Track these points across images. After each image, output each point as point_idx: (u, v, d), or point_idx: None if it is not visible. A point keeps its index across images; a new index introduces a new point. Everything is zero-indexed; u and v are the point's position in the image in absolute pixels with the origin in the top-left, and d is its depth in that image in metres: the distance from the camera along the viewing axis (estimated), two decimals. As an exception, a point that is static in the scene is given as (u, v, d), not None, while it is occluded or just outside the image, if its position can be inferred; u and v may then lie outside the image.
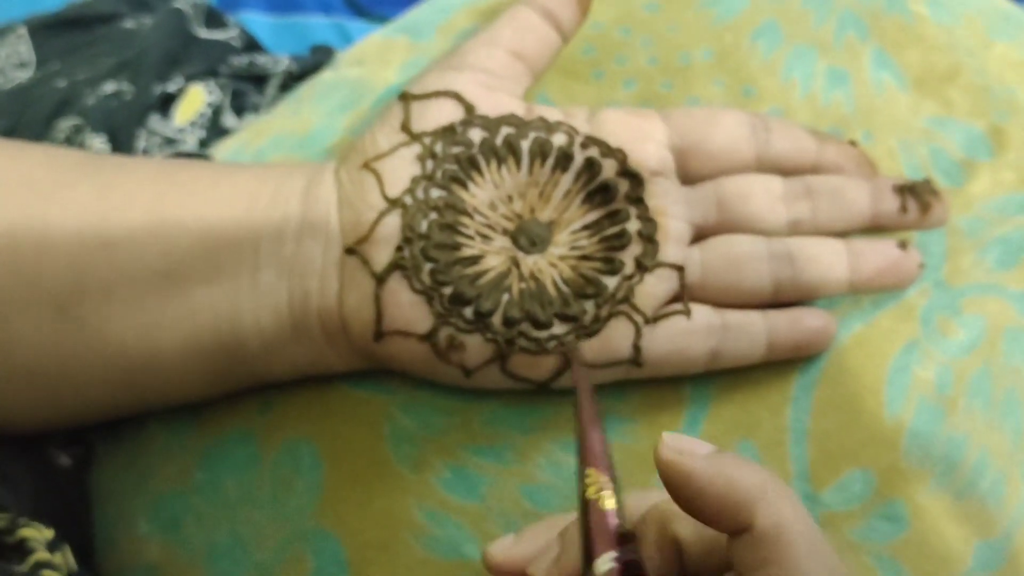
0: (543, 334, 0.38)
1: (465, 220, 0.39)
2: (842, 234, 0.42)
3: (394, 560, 0.39)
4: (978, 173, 0.44)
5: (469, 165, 0.40)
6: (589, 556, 0.28)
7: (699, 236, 0.41)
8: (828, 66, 0.46)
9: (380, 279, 0.38)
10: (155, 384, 0.40)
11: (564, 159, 0.40)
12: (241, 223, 0.39)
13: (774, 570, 0.27)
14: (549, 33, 0.44)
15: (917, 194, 0.42)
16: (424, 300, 0.38)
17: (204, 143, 0.52)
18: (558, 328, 0.38)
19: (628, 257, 0.39)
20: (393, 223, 0.39)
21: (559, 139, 0.41)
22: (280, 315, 0.39)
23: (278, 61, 0.56)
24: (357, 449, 0.41)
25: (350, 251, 0.38)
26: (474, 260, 0.39)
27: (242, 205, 0.39)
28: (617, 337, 0.38)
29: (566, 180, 0.40)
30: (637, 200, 0.40)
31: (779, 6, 0.46)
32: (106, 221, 0.38)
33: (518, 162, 0.40)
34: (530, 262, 0.39)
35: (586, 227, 0.40)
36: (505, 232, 0.40)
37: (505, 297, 0.38)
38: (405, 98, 0.41)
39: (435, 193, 0.39)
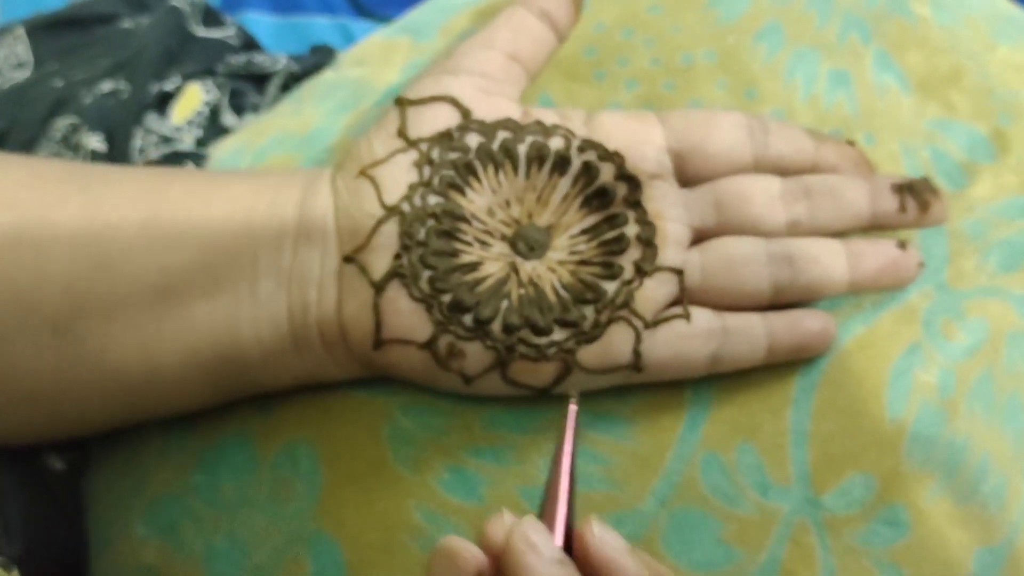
0: (543, 340, 0.38)
1: (463, 226, 0.39)
2: (841, 234, 0.42)
3: (393, 562, 0.39)
4: (980, 176, 0.44)
5: (466, 171, 0.40)
6: None
7: (698, 238, 0.41)
8: (831, 68, 0.46)
9: (379, 287, 0.38)
10: (155, 398, 0.40)
11: (561, 163, 0.40)
12: (239, 235, 0.38)
13: None
14: (545, 33, 0.43)
15: (916, 192, 0.41)
16: (423, 308, 0.38)
17: (201, 142, 0.52)
18: (558, 334, 0.38)
19: (627, 262, 0.39)
20: (391, 231, 0.39)
21: (556, 143, 0.40)
22: (279, 326, 0.38)
23: (276, 60, 0.56)
24: (356, 451, 0.41)
25: (348, 259, 0.38)
26: (473, 267, 0.39)
27: (239, 217, 0.38)
28: (617, 342, 0.38)
29: (564, 184, 0.40)
30: (635, 204, 0.40)
31: (782, 8, 0.46)
32: (99, 241, 0.38)
33: (515, 167, 0.40)
34: (529, 268, 0.39)
35: (584, 231, 0.40)
36: (503, 238, 0.39)
37: (504, 304, 0.38)
38: (401, 103, 0.41)
39: (433, 200, 0.39)
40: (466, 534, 0.37)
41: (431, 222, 0.39)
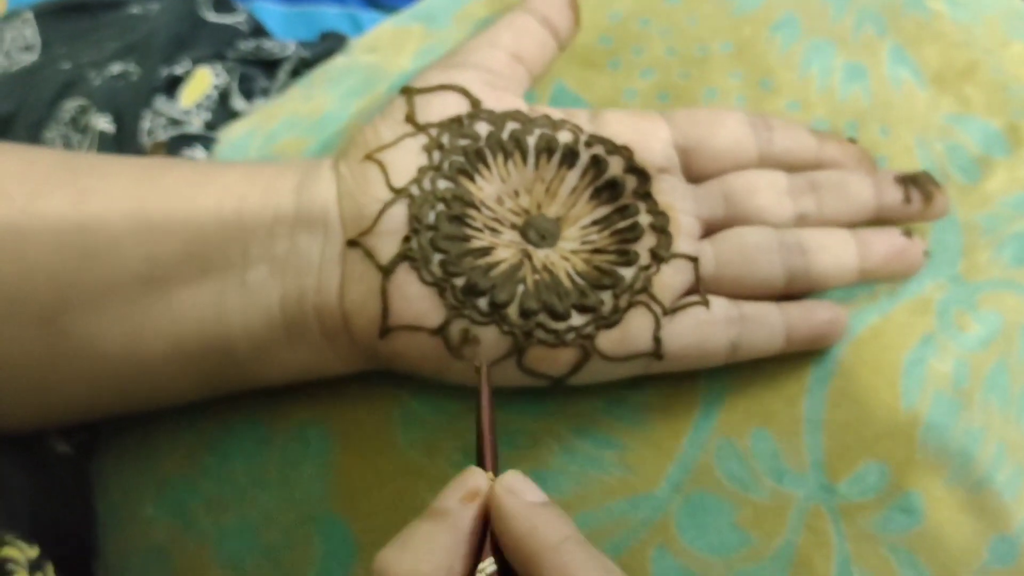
0: (561, 326, 0.37)
1: (473, 213, 0.39)
2: (847, 227, 0.42)
3: (404, 544, 0.39)
4: (995, 170, 0.44)
5: (476, 158, 0.40)
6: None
7: (707, 232, 0.41)
8: (846, 61, 0.46)
9: (387, 271, 0.37)
10: (144, 391, 0.39)
11: (570, 156, 0.40)
12: (228, 223, 0.37)
13: None
14: (547, 39, 0.43)
15: (919, 184, 0.42)
16: (435, 292, 0.37)
17: (210, 125, 0.51)
18: (576, 319, 0.37)
19: (642, 249, 0.39)
20: (398, 214, 0.38)
21: (564, 136, 0.40)
22: (271, 316, 0.37)
23: (285, 47, 0.56)
24: (367, 432, 0.40)
25: (352, 243, 0.37)
26: (485, 251, 0.38)
27: (229, 205, 0.37)
28: (636, 329, 0.38)
29: (572, 177, 0.40)
30: (645, 195, 0.40)
31: (798, 0, 0.46)
32: (85, 231, 0.37)
33: (524, 157, 0.40)
34: (542, 255, 0.39)
35: (595, 222, 0.40)
36: (513, 227, 0.39)
37: (520, 288, 0.38)
38: (408, 92, 0.41)
39: (442, 184, 0.39)
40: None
41: (441, 206, 0.38)
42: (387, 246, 0.37)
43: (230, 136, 0.50)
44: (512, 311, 0.37)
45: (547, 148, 0.40)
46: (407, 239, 0.38)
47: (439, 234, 0.38)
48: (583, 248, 0.39)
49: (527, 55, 0.42)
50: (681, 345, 0.38)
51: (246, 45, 0.56)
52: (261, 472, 0.41)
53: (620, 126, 0.41)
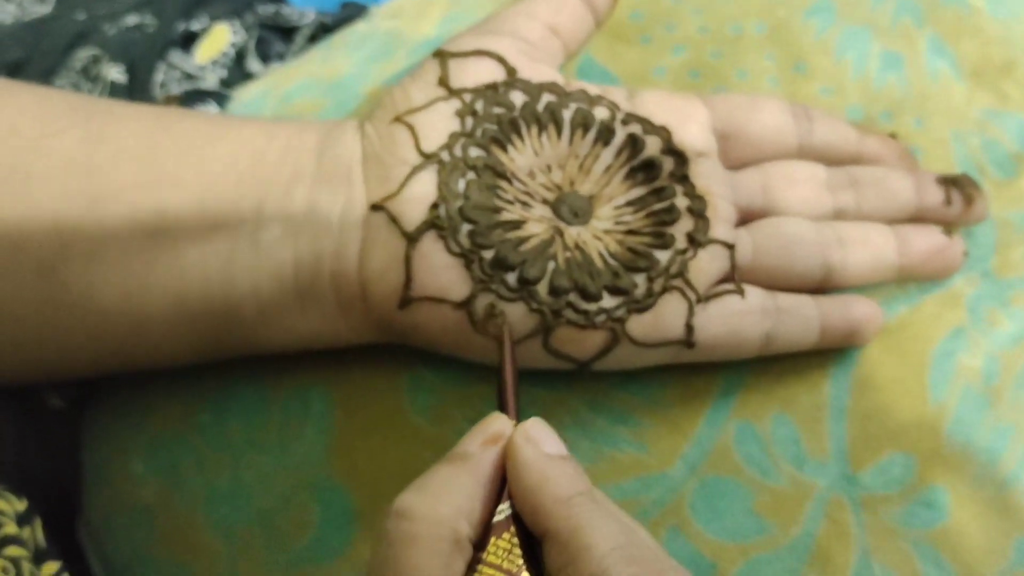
0: (592, 307, 0.36)
1: (504, 184, 0.37)
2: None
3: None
4: (1031, 167, 0.43)
5: (510, 128, 0.38)
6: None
7: (741, 222, 0.39)
8: (883, 49, 0.45)
9: (412, 238, 0.35)
10: (143, 349, 0.37)
11: (606, 133, 0.39)
12: (243, 177, 0.35)
13: (572, 573, 0.27)
14: (584, 14, 0.42)
15: (960, 186, 0.41)
16: (461, 264, 0.35)
17: (226, 83, 0.50)
18: (608, 301, 0.36)
19: (679, 232, 0.37)
20: (427, 180, 0.36)
21: (601, 112, 0.39)
22: (282, 279, 0.35)
23: (304, 15, 0.54)
24: (372, 397, 0.39)
25: (376, 207, 0.35)
26: (516, 225, 0.36)
27: (246, 159, 0.36)
28: (669, 315, 0.36)
29: (607, 154, 0.39)
30: (683, 178, 0.38)
31: (836, -17, 0.45)
32: (93, 175, 0.35)
33: (559, 131, 0.39)
34: (573, 233, 0.37)
35: (630, 203, 0.38)
36: (544, 202, 0.38)
37: (551, 265, 0.36)
38: (442, 55, 0.39)
39: (474, 152, 0.37)
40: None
41: (471, 175, 0.37)
42: (413, 212, 0.35)
43: (244, 95, 0.48)
44: (542, 288, 0.35)
45: (583, 123, 0.38)
46: (435, 206, 0.36)
47: (469, 203, 0.36)
48: (616, 228, 0.37)
49: (564, 29, 0.41)
50: (713, 334, 0.36)
51: (264, 9, 0.54)
52: (259, 433, 0.39)
53: (658, 106, 0.39)
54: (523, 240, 0.36)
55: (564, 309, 0.35)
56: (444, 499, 0.29)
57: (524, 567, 0.28)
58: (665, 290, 0.35)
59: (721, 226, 0.37)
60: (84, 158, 0.36)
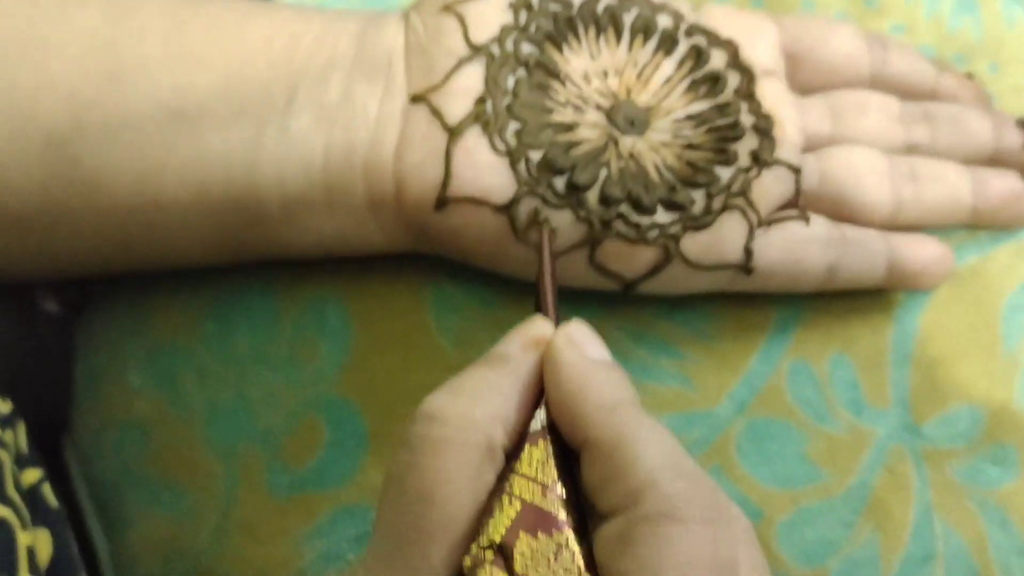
0: (645, 220, 0.32)
1: (556, 85, 0.34)
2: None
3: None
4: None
5: (567, 27, 0.35)
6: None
7: (808, 149, 0.36)
8: (958, -11, 0.42)
9: (454, 133, 0.32)
10: (152, 243, 0.35)
11: (669, 42, 0.36)
12: (276, 61, 0.33)
13: (616, 486, 0.24)
14: None
15: None
16: (506, 164, 0.32)
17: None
18: (662, 216, 0.33)
19: (743, 150, 0.34)
20: (474, 73, 0.33)
21: (664, 20, 0.36)
22: (311, 171, 0.33)
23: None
24: (393, 314, 0.36)
25: (418, 99, 0.33)
26: (567, 128, 0.34)
27: (280, 42, 0.33)
28: (727, 235, 0.33)
29: (668, 65, 0.36)
30: (748, 96, 0.35)
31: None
32: (115, 49, 0.33)
33: (618, 35, 0.36)
34: (628, 142, 0.34)
35: (690, 117, 0.35)
36: (598, 108, 0.34)
37: (603, 172, 0.33)
38: None
39: (526, 48, 0.34)
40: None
41: (522, 71, 0.34)
42: (457, 106, 0.32)
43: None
44: (592, 196, 0.32)
45: (644, 29, 0.36)
46: (481, 101, 0.33)
47: (518, 101, 0.33)
48: (675, 142, 0.34)
49: None
50: (773, 260, 0.33)
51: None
52: (268, 347, 0.36)
53: (725, 20, 0.37)
54: (574, 144, 0.33)
55: (614, 220, 0.32)
56: (479, 402, 0.26)
57: (559, 479, 0.25)
58: (725, 208, 0.32)
59: (787, 148, 0.34)
60: (106, 31, 0.33)
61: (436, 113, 0.32)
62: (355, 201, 0.33)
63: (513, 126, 0.33)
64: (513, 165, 0.32)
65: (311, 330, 0.36)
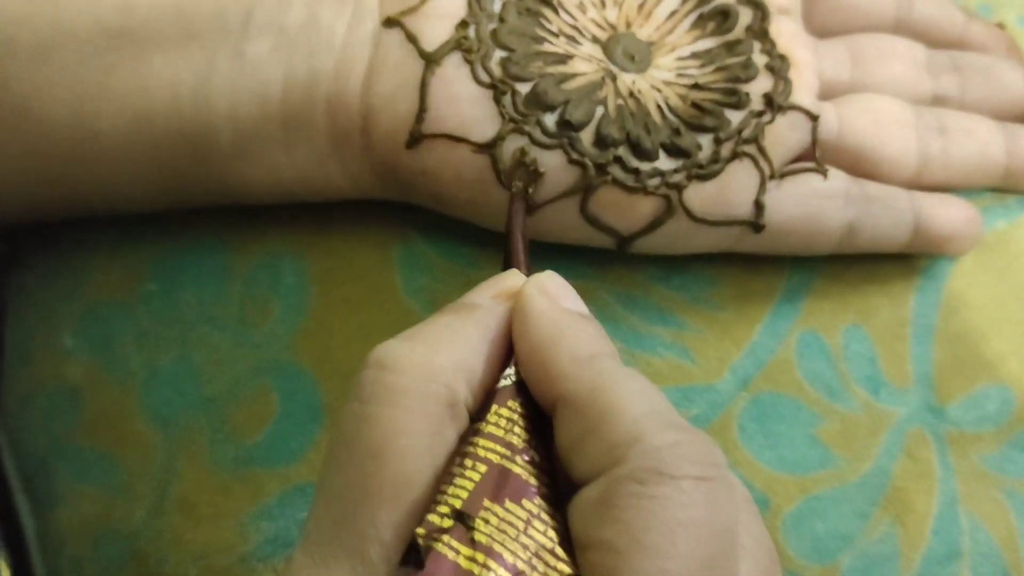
0: (646, 166, 0.29)
1: (548, 13, 0.30)
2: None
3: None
4: None
5: None
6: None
7: (825, 96, 0.32)
8: (985, -66, 0.38)
9: (431, 59, 0.29)
10: (90, 179, 0.32)
11: None
12: None
13: (594, 442, 0.21)
14: None
15: None
16: (489, 97, 0.29)
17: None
18: (664, 163, 0.29)
19: (755, 93, 0.30)
20: None
21: None
22: (267, 101, 0.30)
23: None
24: (357, 272, 0.32)
25: (391, 22, 0.30)
26: (560, 59, 0.30)
27: None
28: (736, 187, 0.30)
29: None
30: (761, 34, 0.31)
31: None
32: None
33: None
34: (627, 79, 0.30)
35: (696, 55, 0.31)
36: (595, 40, 0.31)
37: (599, 111, 0.29)
38: None
39: None
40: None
41: None
42: (436, 31, 0.29)
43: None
44: (586, 136, 0.29)
45: None
46: (463, 25, 0.29)
47: (504, 27, 0.30)
48: (679, 81, 0.30)
49: None
50: (787, 217, 0.30)
51: None
52: (216, 306, 0.33)
53: None
54: (567, 77, 0.29)
55: (611, 165, 0.28)
56: (441, 350, 0.22)
57: (529, 442, 0.21)
58: (734, 157, 0.29)
59: (804, 93, 0.30)
60: None
61: (411, 38, 0.29)
62: (316, 136, 0.30)
63: (498, 55, 0.29)
64: (497, 99, 0.29)
65: (264, 288, 0.32)
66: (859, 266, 0.32)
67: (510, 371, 0.23)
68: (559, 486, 0.22)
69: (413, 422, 0.21)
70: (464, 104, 0.29)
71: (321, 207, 0.32)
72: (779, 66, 0.31)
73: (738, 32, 0.32)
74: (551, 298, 0.24)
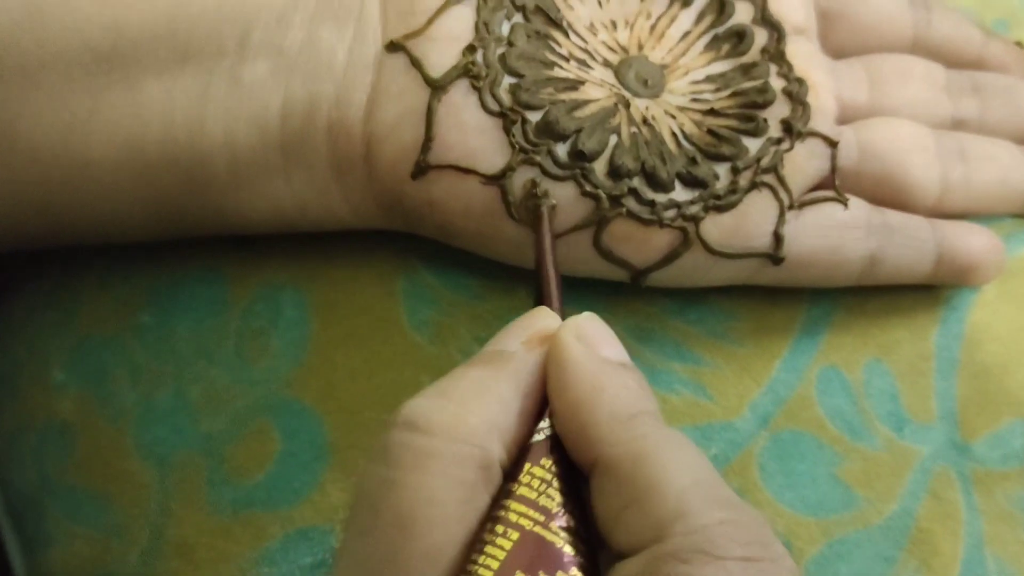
0: (661, 198, 0.28)
1: (558, 36, 0.29)
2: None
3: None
4: None
5: None
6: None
7: (843, 120, 0.32)
8: (1000, -50, 0.37)
9: (437, 86, 0.28)
10: (79, 207, 0.30)
11: None
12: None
13: (637, 516, 0.20)
14: None
15: None
16: (498, 126, 0.28)
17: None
18: (680, 193, 0.28)
19: (772, 119, 0.29)
20: (463, 17, 0.29)
21: None
22: (265, 127, 0.29)
23: None
24: (359, 304, 0.31)
25: (395, 47, 0.29)
26: (571, 85, 0.29)
27: None
28: (755, 218, 0.29)
29: (686, 18, 0.31)
30: (778, 56, 0.30)
31: None
32: None
33: None
34: (641, 105, 0.29)
35: (710, 78, 0.30)
36: (606, 64, 0.30)
37: (613, 139, 0.28)
38: None
39: None
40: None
41: (518, 17, 0.29)
42: (442, 56, 0.28)
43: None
44: (599, 166, 0.28)
45: None
46: (470, 50, 0.28)
47: (513, 51, 0.29)
48: (694, 107, 0.29)
49: None
50: (806, 249, 0.29)
51: None
52: (213, 341, 0.31)
53: None
54: (579, 104, 0.28)
55: (625, 196, 0.27)
56: (473, 408, 0.21)
57: (564, 505, 0.20)
58: (753, 186, 0.28)
59: (822, 118, 0.29)
60: None
61: (416, 63, 0.28)
62: (317, 164, 0.29)
63: (508, 81, 0.28)
64: (507, 128, 0.28)
65: (263, 321, 0.31)
66: (879, 297, 0.31)
67: (544, 424, 0.22)
68: (595, 549, 0.21)
69: (445, 489, 0.20)
70: (472, 133, 0.28)
71: (322, 237, 0.31)
72: (797, 90, 0.30)
73: (753, 54, 0.31)
74: (589, 346, 0.23)
